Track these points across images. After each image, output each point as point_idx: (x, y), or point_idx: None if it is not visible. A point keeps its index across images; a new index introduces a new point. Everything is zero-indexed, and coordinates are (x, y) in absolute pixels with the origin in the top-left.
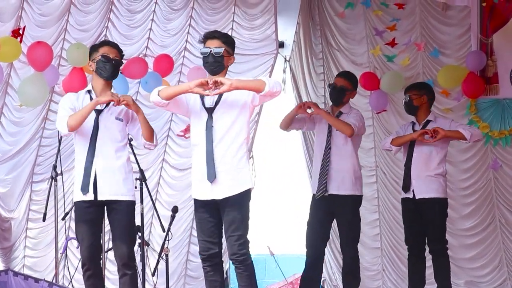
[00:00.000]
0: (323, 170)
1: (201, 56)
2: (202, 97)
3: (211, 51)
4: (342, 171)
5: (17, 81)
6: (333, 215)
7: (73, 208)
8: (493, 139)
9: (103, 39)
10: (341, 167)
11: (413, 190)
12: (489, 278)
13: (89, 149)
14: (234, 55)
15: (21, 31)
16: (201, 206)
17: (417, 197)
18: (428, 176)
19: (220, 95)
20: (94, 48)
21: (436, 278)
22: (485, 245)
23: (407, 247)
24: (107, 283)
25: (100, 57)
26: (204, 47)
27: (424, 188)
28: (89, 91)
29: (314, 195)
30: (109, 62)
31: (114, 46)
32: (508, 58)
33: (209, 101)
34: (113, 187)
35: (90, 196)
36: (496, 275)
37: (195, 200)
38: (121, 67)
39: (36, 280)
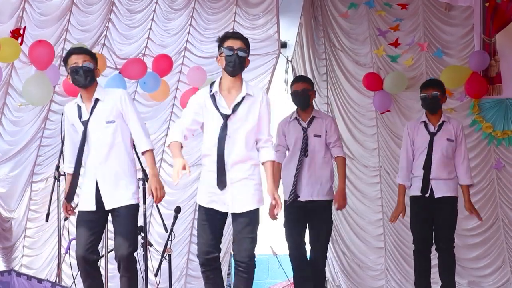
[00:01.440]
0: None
1: (203, 56)
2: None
3: (236, 51)
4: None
5: (18, 81)
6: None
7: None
8: (496, 139)
9: (103, 39)
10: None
11: (431, 189)
12: (492, 278)
13: (77, 162)
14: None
15: (21, 31)
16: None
17: (436, 196)
18: (448, 176)
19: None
20: (64, 61)
21: (441, 275)
22: (488, 245)
23: (414, 245)
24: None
25: (69, 69)
26: (224, 46)
27: (444, 187)
28: (77, 103)
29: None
30: (79, 70)
31: (82, 50)
32: (511, 58)
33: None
34: (115, 195)
35: (90, 207)
36: (499, 275)
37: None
38: (96, 68)
39: (39, 280)
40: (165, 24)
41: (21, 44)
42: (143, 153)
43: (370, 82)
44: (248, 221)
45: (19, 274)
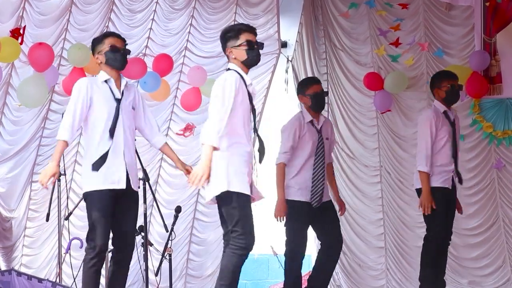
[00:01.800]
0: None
1: (204, 56)
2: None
3: (257, 45)
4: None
5: (17, 80)
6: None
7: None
8: (497, 139)
9: None
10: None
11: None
12: (493, 277)
13: (114, 137)
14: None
15: (21, 31)
16: None
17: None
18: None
19: None
20: (98, 40)
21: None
22: (488, 245)
23: (437, 241)
24: None
25: (109, 48)
26: (244, 39)
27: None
28: (106, 81)
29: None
30: (119, 52)
31: (119, 36)
32: (511, 58)
33: None
34: (135, 178)
35: (122, 185)
36: (499, 274)
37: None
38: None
39: (40, 280)
40: (166, 24)
41: (21, 43)
42: (163, 144)
43: (371, 82)
44: None
45: (19, 273)
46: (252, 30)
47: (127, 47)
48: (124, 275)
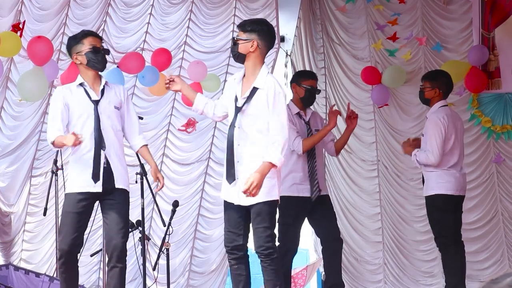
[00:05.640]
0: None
1: (203, 51)
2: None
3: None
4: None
5: (17, 75)
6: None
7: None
8: (495, 134)
9: (101, 33)
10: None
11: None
12: (490, 271)
13: (95, 139)
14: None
15: (21, 26)
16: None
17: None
18: None
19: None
20: (77, 40)
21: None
22: (487, 239)
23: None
24: None
25: (89, 49)
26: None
27: None
28: (81, 84)
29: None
30: (100, 53)
31: (98, 35)
32: (510, 53)
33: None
34: (121, 176)
35: (98, 188)
36: (497, 268)
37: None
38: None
39: (37, 274)
40: (163, 18)
41: (20, 37)
42: (141, 147)
43: (368, 76)
44: (260, 210)
45: (17, 268)
46: None
47: (126, 41)
48: (118, 272)
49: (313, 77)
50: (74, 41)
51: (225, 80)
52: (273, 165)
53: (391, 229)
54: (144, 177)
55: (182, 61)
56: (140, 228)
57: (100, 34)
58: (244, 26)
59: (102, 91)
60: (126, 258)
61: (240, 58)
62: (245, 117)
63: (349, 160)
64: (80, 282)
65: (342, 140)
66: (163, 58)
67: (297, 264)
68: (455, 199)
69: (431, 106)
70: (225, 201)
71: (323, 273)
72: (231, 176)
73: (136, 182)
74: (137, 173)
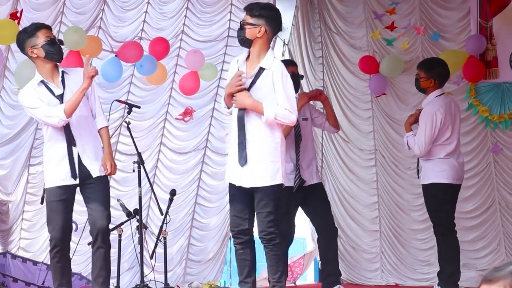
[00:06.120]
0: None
1: (201, 40)
2: None
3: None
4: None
5: (15, 64)
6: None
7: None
8: (493, 123)
9: (99, 22)
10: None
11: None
12: (487, 260)
13: (66, 133)
14: (235, 39)
15: (18, 14)
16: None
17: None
18: None
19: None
20: (29, 34)
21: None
22: (484, 228)
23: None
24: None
25: (45, 41)
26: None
27: None
28: (42, 82)
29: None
30: (56, 44)
31: (50, 27)
32: (507, 42)
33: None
34: (94, 164)
35: (74, 181)
36: (493, 257)
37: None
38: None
39: (34, 262)
40: (161, 7)
41: (18, 25)
42: (101, 128)
43: (366, 66)
44: (262, 196)
45: (14, 256)
46: None
47: (124, 30)
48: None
49: (292, 63)
50: (26, 35)
51: (221, 69)
52: (262, 114)
53: (388, 218)
54: (141, 166)
55: (179, 50)
56: (138, 217)
57: (98, 23)
58: (252, 10)
59: (63, 82)
60: (122, 245)
61: (246, 43)
62: (252, 96)
63: (347, 149)
64: (77, 271)
65: (328, 115)
66: (161, 47)
67: (294, 253)
68: (452, 188)
69: (427, 95)
70: (230, 186)
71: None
72: (243, 158)
73: (133, 171)
74: (134, 162)
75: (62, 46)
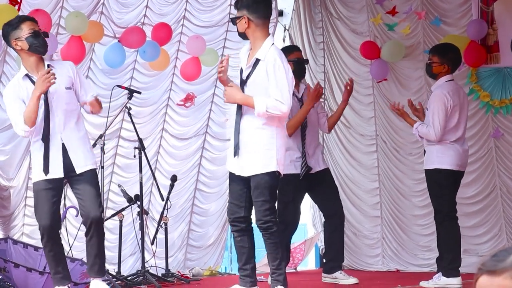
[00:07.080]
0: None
1: (202, 25)
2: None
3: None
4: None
5: None
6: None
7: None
8: (494, 108)
9: (101, 7)
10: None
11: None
12: (488, 245)
13: (44, 127)
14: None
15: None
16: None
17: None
18: None
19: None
20: (13, 26)
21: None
22: (486, 213)
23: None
24: None
25: (29, 33)
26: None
27: None
28: (26, 75)
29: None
30: (40, 36)
31: (34, 19)
32: (509, 27)
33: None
34: (84, 160)
35: (60, 174)
36: (495, 242)
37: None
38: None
39: (36, 248)
40: None
41: (18, 11)
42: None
43: (367, 51)
44: (257, 184)
45: (15, 242)
46: None
47: (127, 16)
48: (97, 241)
49: (296, 49)
50: (10, 27)
51: (222, 55)
52: (253, 108)
53: (389, 204)
54: (142, 152)
55: (181, 36)
56: (139, 203)
57: (101, 9)
58: (236, 3)
59: None
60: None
61: (243, 36)
62: (249, 88)
63: (348, 135)
64: (79, 257)
65: (335, 116)
66: (163, 32)
67: (295, 239)
68: (455, 175)
69: (436, 80)
70: (230, 173)
71: (321, 247)
72: (236, 147)
73: (135, 156)
74: (135, 148)
75: (60, 34)
